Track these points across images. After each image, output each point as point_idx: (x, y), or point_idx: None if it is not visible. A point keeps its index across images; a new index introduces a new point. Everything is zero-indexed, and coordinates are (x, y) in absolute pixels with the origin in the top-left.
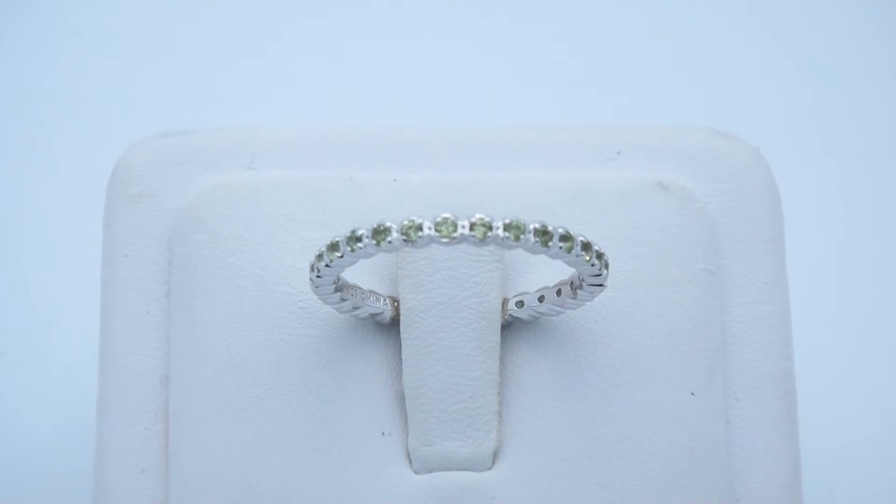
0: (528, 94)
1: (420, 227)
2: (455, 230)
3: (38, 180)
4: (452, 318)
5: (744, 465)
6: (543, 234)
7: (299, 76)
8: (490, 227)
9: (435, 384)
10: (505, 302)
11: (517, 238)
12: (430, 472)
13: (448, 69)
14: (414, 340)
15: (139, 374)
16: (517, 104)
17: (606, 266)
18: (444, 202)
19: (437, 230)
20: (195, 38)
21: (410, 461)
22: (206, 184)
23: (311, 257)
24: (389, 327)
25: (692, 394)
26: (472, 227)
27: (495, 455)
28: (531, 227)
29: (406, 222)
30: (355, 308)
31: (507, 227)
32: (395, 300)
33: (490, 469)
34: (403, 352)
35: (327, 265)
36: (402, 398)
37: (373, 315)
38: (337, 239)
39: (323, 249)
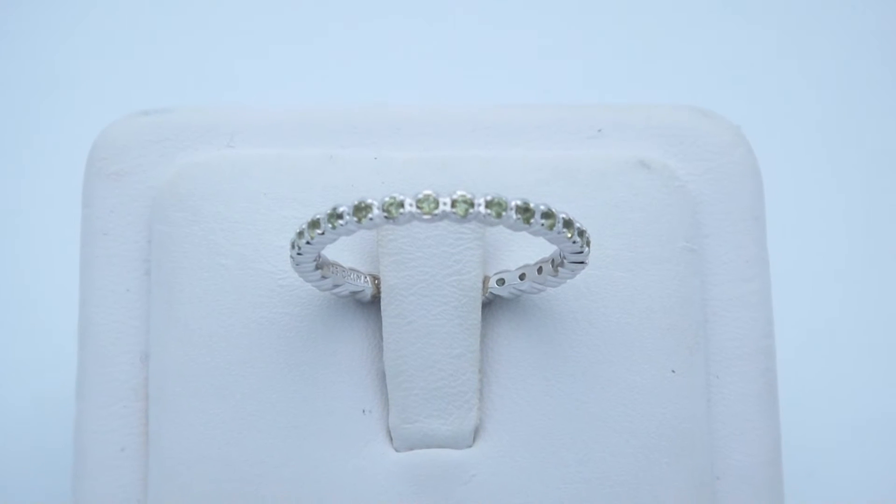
0: (509, 73)
1: (401, 204)
2: (437, 207)
3: (17, 159)
4: (433, 295)
5: (724, 443)
6: (525, 211)
7: (280, 55)
8: (472, 204)
9: (416, 362)
10: (486, 280)
11: (499, 215)
12: (411, 449)
13: (430, 47)
14: (395, 318)
15: (119, 351)
16: (498, 83)
17: (588, 243)
18: (426, 180)
19: (418, 207)
20: (174, 18)
21: (391, 439)
22: (186, 162)
23: (292, 235)
24: (370, 305)
25: (673, 371)
26: (453, 203)
27: (476, 433)
28: (513, 204)
29: (387, 199)
30: (336, 286)
31: (488, 204)
32: (375, 278)
33: (471, 447)
34: (384, 329)
35: (308, 242)
36: (382, 376)
37: (353, 293)
38: (318, 216)
39: (304, 227)
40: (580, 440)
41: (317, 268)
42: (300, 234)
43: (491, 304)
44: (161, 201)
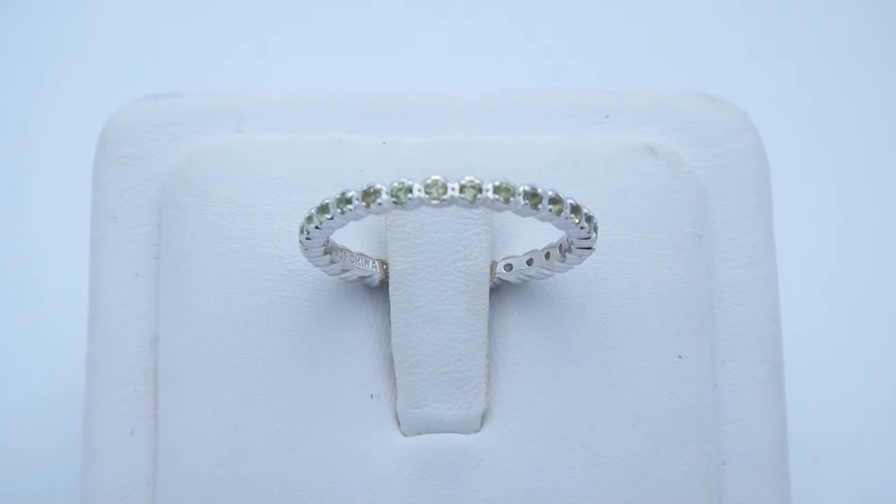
0: (517, 58)
1: (410, 189)
2: (445, 192)
3: (28, 143)
4: (441, 280)
5: (730, 427)
6: (533, 196)
7: (289, 40)
8: (480, 190)
9: (423, 347)
10: (493, 265)
11: (507, 200)
12: (419, 434)
13: (438, 34)
14: (403, 303)
15: (128, 335)
16: (507, 68)
17: (595, 229)
18: (434, 165)
19: (427, 192)
20: (185, 2)
21: (399, 423)
22: (195, 146)
23: (301, 219)
24: (378, 290)
25: (679, 357)
26: (462, 189)
27: (483, 417)
28: (521, 189)
29: (396, 184)
30: (344, 270)
31: (496, 190)
32: (383, 263)
33: (478, 431)
34: (392, 314)
35: (317, 227)
36: (390, 361)
37: (362, 278)
38: (327, 201)
39: (313, 211)
40: (587, 425)
41: (325, 252)
42: (309, 218)
43: (499, 290)
44: (170, 185)
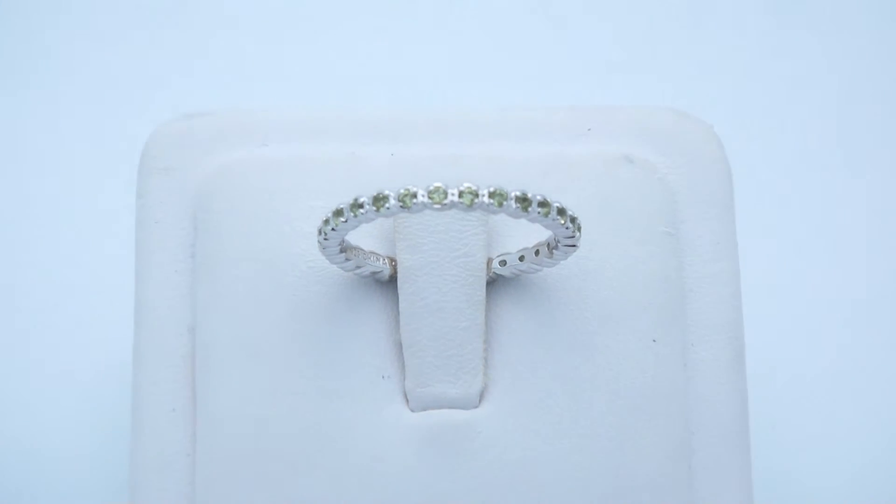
0: (509, 79)
1: (415, 195)
2: (446, 197)
3: (80, 157)
4: (443, 275)
5: (698, 402)
6: (524, 200)
7: (309, 64)
8: (476, 195)
9: (428, 334)
10: (489, 261)
11: (500, 204)
12: (425, 410)
13: (440, 56)
14: (410, 295)
15: (168, 325)
16: (500, 87)
17: (579, 229)
18: (437, 174)
19: (429, 197)
20: (215, 33)
21: (407, 401)
22: (226, 159)
23: (319, 222)
24: (388, 284)
25: (654, 341)
26: (460, 194)
27: (482, 395)
28: (513, 194)
29: (403, 191)
30: (358, 267)
31: (491, 195)
32: (392, 260)
33: (477, 407)
34: (401, 305)
35: (333, 229)
36: (399, 346)
37: (373, 273)
38: (341, 206)
39: (329, 215)
40: (573, 401)
41: (341, 251)
42: (326, 221)
43: (494, 283)
44: (204, 193)
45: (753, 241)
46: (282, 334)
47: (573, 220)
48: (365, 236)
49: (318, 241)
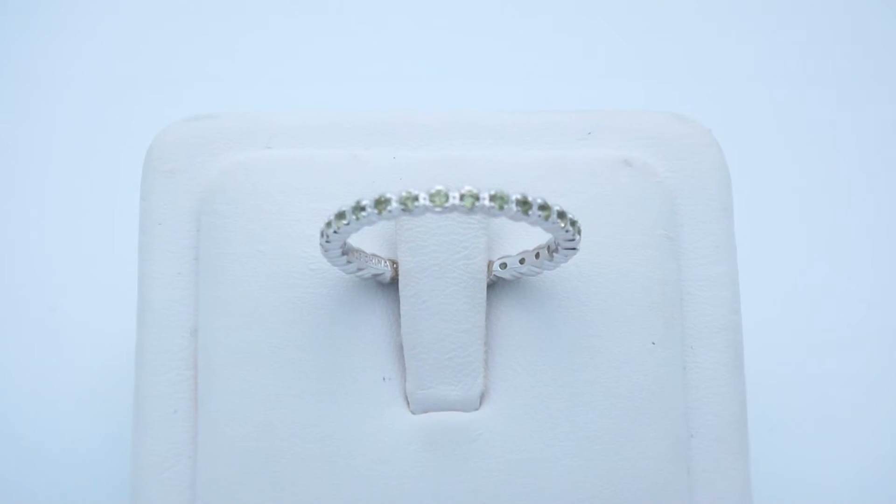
0: (510, 82)
1: (416, 198)
2: (447, 200)
3: (84, 159)
4: (444, 278)
5: (697, 404)
6: (524, 203)
7: (313, 67)
8: (477, 198)
9: (429, 336)
10: (490, 264)
11: (501, 207)
12: (425, 412)
13: (442, 61)
14: (411, 298)
15: (171, 326)
16: (501, 91)
17: (579, 232)
18: (438, 177)
19: (431, 200)
20: (219, 35)
21: (408, 403)
22: (229, 161)
23: (321, 225)
24: (389, 286)
25: (653, 343)
26: (461, 197)
27: (482, 397)
28: (513, 197)
29: (404, 193)
30: (359, 269)
31: (492, 198)
32: (394, 262)
33: (477, 409)
34: (402, 307)
35: (335, 231)
36: (400, 348)
37: (375, 275)
38: (344, 208)
39: (331, 218)
40: (572, 403)
41: (343, 253)
42: (328, 224)
43: (495, 286)
44: (208, 195)
45: (752, 245)
46: (283, 336)
47: (573, 223)
48: (366, 239)
49: (321, 244)
